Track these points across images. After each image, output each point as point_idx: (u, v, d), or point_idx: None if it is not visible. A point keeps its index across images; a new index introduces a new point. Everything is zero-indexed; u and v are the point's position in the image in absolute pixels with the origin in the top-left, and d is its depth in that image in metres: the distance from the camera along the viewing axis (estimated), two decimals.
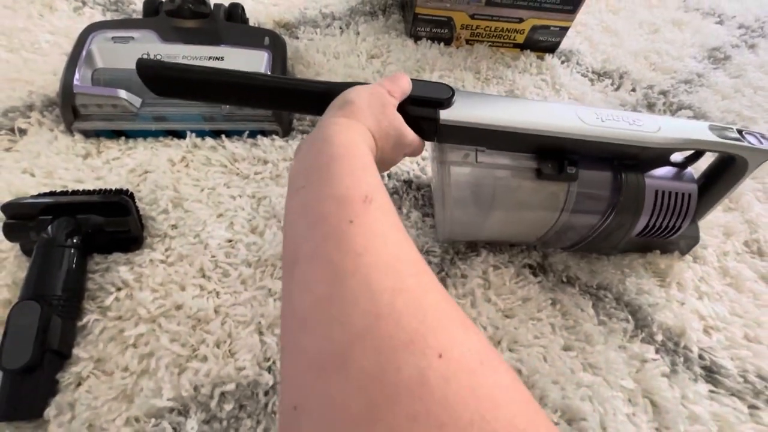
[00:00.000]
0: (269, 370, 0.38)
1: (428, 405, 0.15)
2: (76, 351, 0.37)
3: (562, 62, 0.71)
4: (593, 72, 0.71)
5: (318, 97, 0.34)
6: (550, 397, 0.39)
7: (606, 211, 0.41)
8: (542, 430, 0.15)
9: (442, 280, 0.45)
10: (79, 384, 0.35)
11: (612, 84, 0.69)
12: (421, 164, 0.55)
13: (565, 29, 0.68)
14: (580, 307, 0.45)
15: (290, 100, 0.37)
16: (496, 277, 0.46)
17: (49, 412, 0.33)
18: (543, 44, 0.70)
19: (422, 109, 0.36)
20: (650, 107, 0.67)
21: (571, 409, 0.38)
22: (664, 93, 0.69)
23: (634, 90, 0.69)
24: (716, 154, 0.44)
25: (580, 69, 0.71)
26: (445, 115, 0.36)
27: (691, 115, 0.66)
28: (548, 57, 0.71)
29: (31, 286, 0.37)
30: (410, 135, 0.34)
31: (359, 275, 0.18)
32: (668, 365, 0.42)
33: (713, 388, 0.41)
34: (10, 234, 0.40)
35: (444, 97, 0.36)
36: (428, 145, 0.47)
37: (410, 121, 0.35)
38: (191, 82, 0.35)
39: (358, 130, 0.28)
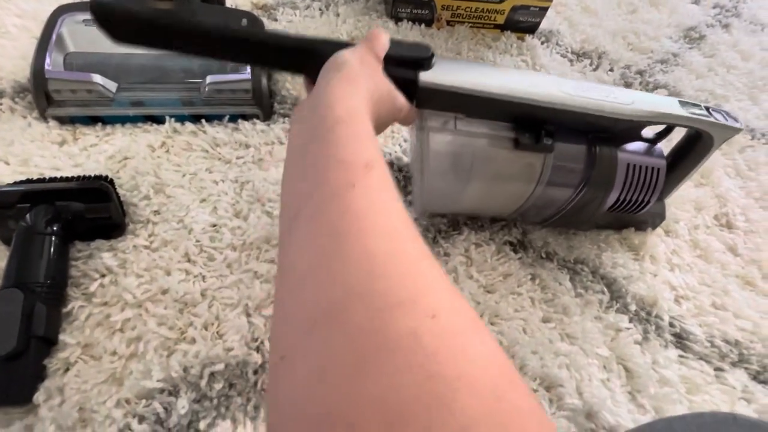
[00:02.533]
0: (258, 350, 0.39)
1: (419, 358, 0.15)
2: (62, 337, 0.37)
3: (542, 43, 0.71)
4: (572, 52, 0.72)
5: (295, 53, 0.33)
6: (530, 365, 0.40)
7: (579, 184, 0.43)
8: (521, 392, 0.16)
9: None
10: (68, 369, 0.36)
11: (591, 64, 0.70)
12: (403, 146, 0.55)
13: (545, 9, 0.69)
14: (558, 281, 0.46)
15: (264, 54, 0.35)
16: (478, 254, 0.47)
17: (38, 397, 0.34)
18: (523, 25, 0.71)
19: (402, 70, 0.35)
20: (627, 86, 0.68)
21: (549, 377, 0.40)
22: (640, 72, 0.70)
23: (611, 70, 0.70)
24: (685, 132, 0.45)
25: (560, 49, 0.71)
26: (424, 77, 0.36)
27: (666, 94, 0.68)
28: (528, 38, 0.71)
29: (12, 274, 0.36)
30: (401, 98, 0.34)
31: (358, 237, 0.19)
32: (641, 333, 0.44)
33: (682, 353, 0.43)
34: None
35: (424, 56, 0.35)
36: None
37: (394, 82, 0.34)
38: (155, 26, 0.32)
39: (360, 96, 0.27)
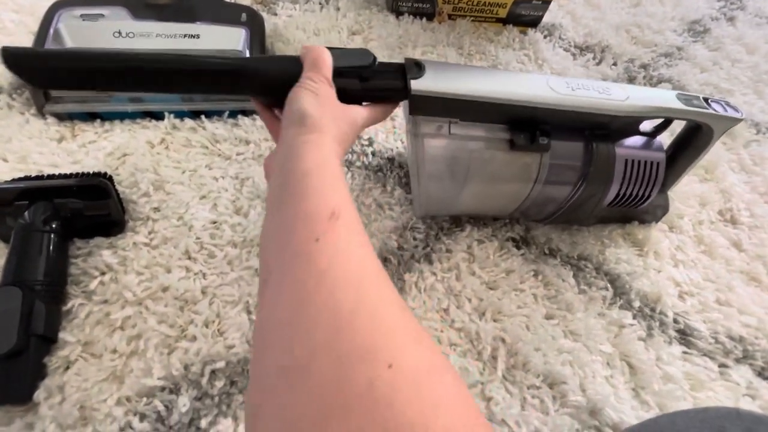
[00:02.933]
0: None
1: (375, 413, 0.16)
2: (62, 335, 0.36)
3: (545, 37, 0.70)
4: (575, 46, 0.71)
5: (229, 76, 0.32)
6: (533, 362, 0.40)
7: (578, 182, 0.42)
8: None
9: (427, 256, 0.46)
10: (68, 367, 0.35)
11: (594, 58, 0.69)
12: (404, 142, 0.55)
13: (548, 3, 0.68)
14: (561, 278, 0.46)
15: (198, 82, 0.32)
16: (480, 251, 0.47)
17: (39, 395, 0.33)
18: (525, 18, 0.70)
19: (389, 80, 0.35)
20: (631, 81, 0.67)
21: (552, 374, 0.40)
22: (644, 66, 0.69)
23: (615, 64, 0.69)
24: (684, 124, 0.45)
25: (563, 43, 0.70)
26: (417, 85, 0.35)
27: (670, 88, 0.67)
28: (531, 32, 0.70)
29: (10, 272, 0.36)
30: (359, 114, 0.33)
31: (323, 292, 0.20)
32: (644, 330, 0.43)
33: (686, 350, 0.43)
34: None
35: (366, 63, 0.34)
36: (404, 117, 0.46)
37: (350, 95, 0.33)
38: (73, 70, 0.29)
39: (326, 145, 0.28)
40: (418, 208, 0.46)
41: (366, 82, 0.34)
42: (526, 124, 0.39)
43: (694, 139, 0.44)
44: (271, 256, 0.23)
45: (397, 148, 0.54)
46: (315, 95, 0.30)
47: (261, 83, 0.32)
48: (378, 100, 0.36)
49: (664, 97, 0.41)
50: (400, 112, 0.58)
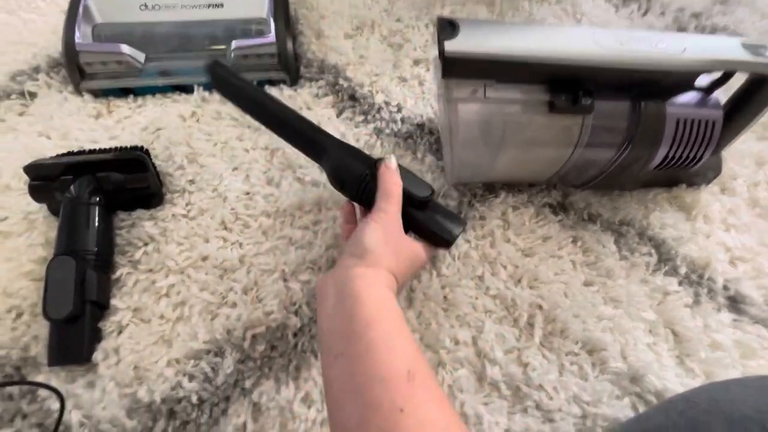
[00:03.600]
0: (296, 313, 0.39)
1: None
2: (113, 302, 0.39)
3: None
4: None
5: (312, 146, 0.38)
6: (572, 329, 0.39)
7: (623, 144, 0.39)
8: None
9: None
10: (121, 331, 0.38)
11: (639, 9, 0.64)
12: (434, 107, 0.53)
13: None
14: (601, 244, 0.44)
15: (292, 138, 0.39)
16: (516, 218, 0.45)
17: (97, 356, 0.36)
18: None
19: (441, 225, 0.35)
20: (681, 32, 0.62)
21: (591, 341, 0.39)
22: (696, 15, 0.63)
23: (663, 14, 0.63)
24: (747, 77, 0.41)
25: None
26: (450, 46, 0.34)
27: None
28: None
29: (63, 242, 0.38)
30: (421, 253, 0.34)
31: None
32: (691, 296, 0.42)
33: (737, 317, 0.41)
34: (36, 195, 0.41)
35: (424, 195, 0.34)
36: (434, 82, 0.44)
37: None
38: (237, 95, 0.41)
39: (385, 280, 0.29)
40: (451, 176, 0.45)
41: (422, 212, 0.35)
42: (568, 84, 0.37)
43: (758, 93, 0.40)
44: (352, 424, 0.23)
45: (426, 114, 0.52)
46: (383, 230, 0.31)
47: (332, 165, 0.36)
48: (425, 236, 0.35)
49: (728, 47, 0.37)
50: (428, 76, 0.56)
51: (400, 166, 0.35)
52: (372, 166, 0.35)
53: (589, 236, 0.45)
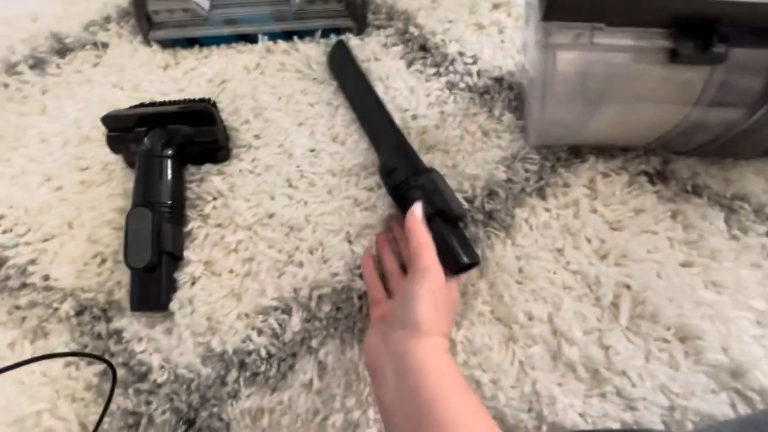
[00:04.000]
0: (361, 276, 0.38)
1: None
2: (186, 254, 0.39)
3: None
4: None
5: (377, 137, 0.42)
6: (664, 313, 0.35)
7: (756, 104, 0.33)
8: None
9: (540, 190, 0.41)
10: (194, 283, 0.39)
11: None
12: (516, 58, 0.47)
13: None
14: (707, 220, 0.38)
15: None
16: (605, 186, 0.40)
17: (173, 305, 0.37)
18: None
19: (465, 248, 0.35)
20: None
21: (686, 327, 0.35)
22: None
23: None
24: None
25: None
26: None
27: None
28: None
29: (139, 194, 0.39)
30: (456, 289, 0.35)
31: None
32: None
33: None
34: (113, 145, 0.42)
35: (460, 214, 0.36)
36: (521, 28, 0.39)
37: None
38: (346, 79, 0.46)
39: (441, 346, 0.30)
40: (533, 136, 0.41)
41: (451, 228, 0.35)
42: (698, 27, 0.30)
43: None
44: None
45: (505, 66, 0.47)
46: (431, 295, 0.30)
47: (383, 159, 0.40)
48: (441, 251, 0.33)
49: None
50: (510, 22, 0.49)
51: (441, 178, 0.37)
52: (418, 173, 0.37)
53: (692, 211, 0.39)
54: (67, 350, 0.36)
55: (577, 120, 0.36)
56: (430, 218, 0.34)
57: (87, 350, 0.37)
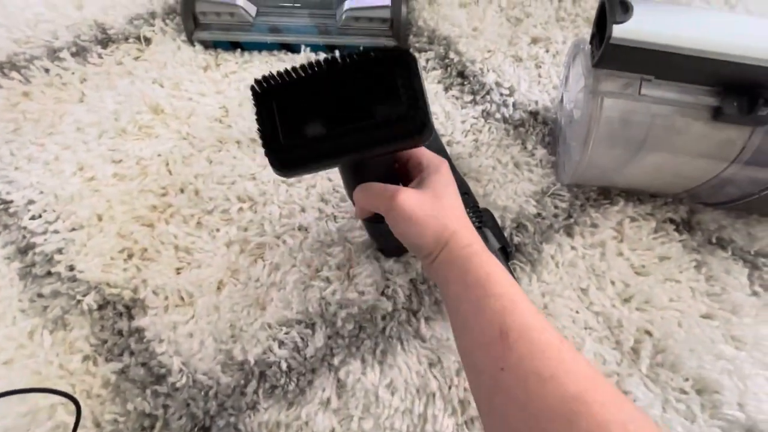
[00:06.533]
0: (388, 297, 0.38)
1: None
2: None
3: None
4: None
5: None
6: (685, 364, 0.36)
7: None
8: None
9: (569, 228, 0.41)
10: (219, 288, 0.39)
11: None
12: (551, 93, 0.48)
13: None
14: (731, 274, 0.39)
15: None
16: (632, 230, 0.41)
17: (200, 311, 0.37)
18: None
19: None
20: None
21: (705, 380, 0.35)
22: None
23: None
24: None
25: None
26: (620, 31, 0.29)
27: None
28: None
29: None
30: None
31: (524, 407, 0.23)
32: None
33: None
34: None
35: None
36: (564, 66, 0.39)
37: None
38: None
39: (476, 240, 0.29)
40: (567, 174, 0.41)
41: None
42: (746, 89, 0.31)
43: None
44: (471, 383, 0.27)
45: (542, 100, 0.48)
46: (455, 198, 0.30)
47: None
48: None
49: None
50: (548, 58, 0.50)
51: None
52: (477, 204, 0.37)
53: (716, 263, 0.40)
54: (86, 344, 0.36)
55: (615, 165, 0.37)
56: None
57: (106, 346, 0.37)
